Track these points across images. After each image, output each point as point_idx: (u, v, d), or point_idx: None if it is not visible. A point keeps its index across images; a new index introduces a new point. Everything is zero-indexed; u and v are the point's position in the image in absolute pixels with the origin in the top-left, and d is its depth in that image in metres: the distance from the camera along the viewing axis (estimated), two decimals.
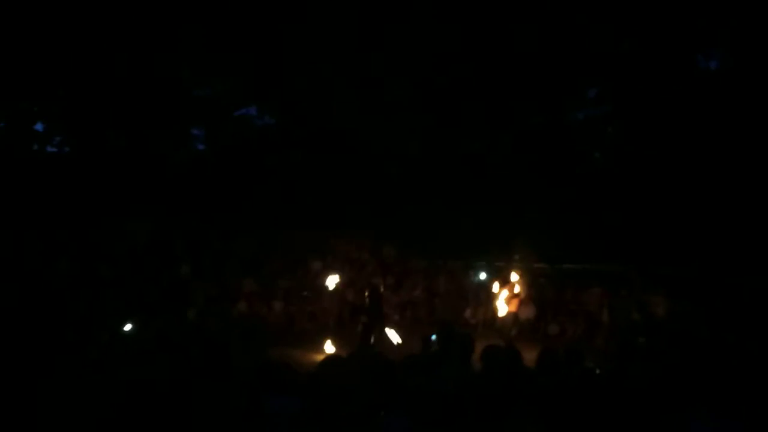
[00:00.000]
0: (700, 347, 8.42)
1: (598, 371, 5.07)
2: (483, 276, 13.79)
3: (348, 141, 17.59)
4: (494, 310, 12.13)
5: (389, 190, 17.80)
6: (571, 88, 19.29)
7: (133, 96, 16.56)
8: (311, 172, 18.16)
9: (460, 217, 17.18)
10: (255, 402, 3.91)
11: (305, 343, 11.07)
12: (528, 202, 16.74)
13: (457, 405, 3.95)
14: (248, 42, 15.80)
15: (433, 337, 6.50)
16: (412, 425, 3.36)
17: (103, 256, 12.27)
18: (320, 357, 4.74)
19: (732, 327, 10.35)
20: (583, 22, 17.24)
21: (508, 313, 12.08)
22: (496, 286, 11.86)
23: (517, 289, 12.52)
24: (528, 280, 13.34)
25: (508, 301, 11.99)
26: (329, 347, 8.60)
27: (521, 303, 12.69)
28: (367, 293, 8.76)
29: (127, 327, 9.19)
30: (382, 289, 13.74)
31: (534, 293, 13.53)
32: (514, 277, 12.54)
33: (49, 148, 18.28)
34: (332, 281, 9.35)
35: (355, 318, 8.59)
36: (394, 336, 8.22)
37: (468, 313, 13.60)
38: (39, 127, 17.91)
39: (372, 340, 8.18)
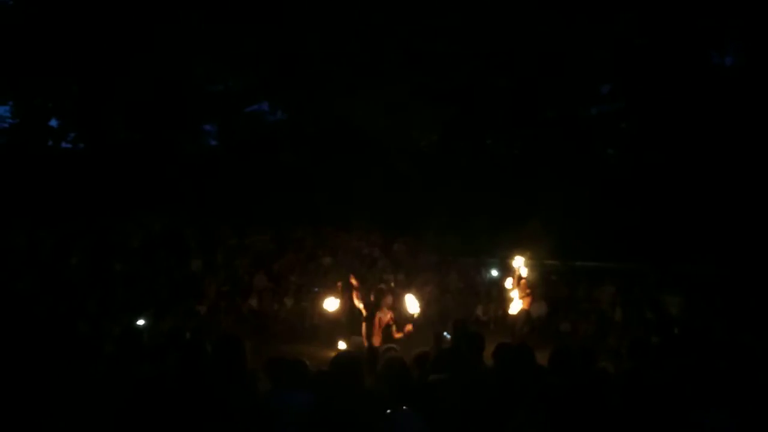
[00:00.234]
0: (714, 346, 8.34)
1: (610, 370, 5.04)
2: (495, 273, 13.74)
3: (359, 137, 17.59)
4: (506, 308, 12.07)
5: (400, 186, 17.79)
6: (584, 84, 19.16)
7: (146, 92, 16.63)
8: (323, 167, 18.18)
9: (471, 214, 17.14)
10: (267, 397, 3.92)
11: (317, 339, 11.10)
12: (541, 198, 16.65)
13: (468, 402, 3.94)
14: (261, 38, 15.81)
15: (446, 333, 6.49)
16: (423, 421, 3.35)
17: (115, 251, 12.34)
18: (332, 353, 4.73)
19: (747, 326, 10.26)
20: (596, 18, 17.10)
21: (520, 311, 12.02)
22: (508, 283, 11.80)
23: (528, 286, 12.46)
24: (540, 277, 13.28)
25: (521, 298, 11.93)
26: (341, 343, 8.58)
27: (533, 300, 12.63)
28: (372, 296, 8.69)
29: (140, 322, 9.25)
30: (392, 284, 13.74)
31: (546, 291, 13.47)
32: (526, 273, 12.48)
33: (64, 144, 18.42)
34: (331, 305, 9.12)
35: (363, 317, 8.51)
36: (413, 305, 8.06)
37: (480, 310, 13.56)
38: (54, 123, 18.06)
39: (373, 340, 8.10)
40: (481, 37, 15.91)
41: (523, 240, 14.54)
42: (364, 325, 8.36)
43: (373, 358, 6.93)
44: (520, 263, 10.94)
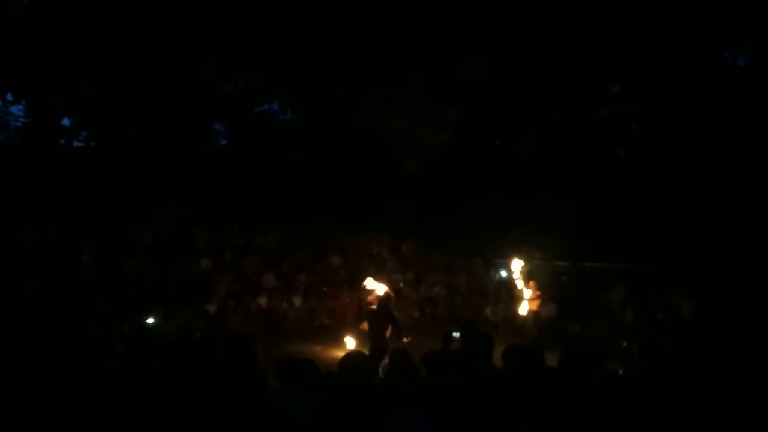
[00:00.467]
0: (726, 348, 8.27)
1: (621, 372, 5.00)
2: (504, 273, 13.70)
3: (369, 136, 17.58)
4: (515, 309, 12.03)
5: (410, 186, 17.77)
6: (595, 84, 19.07)
7: (156, 91, 16.71)
8: (332, 167, 18.19)
9: (480, 214, 17.10)
10: (276, 397, 3.92)
11: (325, 338, 11.10)
12: (551, 198, 16.58)
13: (477, 403, 3.93)
14: (271, 37, 15.83)
15: (455, 333, 6.46)
16: (432, 422, 3.34)
17: (125, 250, 12.40)
18: (341, 353, 4.73)
19: (759, 327, 10.17)
20: (608, 18, 17.01)
21: (530, 312, 11.97)
22: (518, 284, 11.76)
23: (538, 287, 12.41)
24: (550, 278, 13.23)
25: (530, 299, 11.89)
26: (350, 343, 8.57)
27: (543, 302, 12.58)
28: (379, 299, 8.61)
29: (149, 320, 9.30)
30: (401, 285, 13.71)
31: (556, 292, 13.41)
32: (535, 274, 12.44)
33: (76, 143, 18.54)
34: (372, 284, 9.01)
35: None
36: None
37: (489, 310, 13.53)
38: (66, 122, 18.17)
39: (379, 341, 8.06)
40: (491, 37, 15.86)
41: (532, 241, 14.51)
42: (370, 325, 8.34)
43: (380, 358, 6.92)
44: (530, 264, 10.90)
